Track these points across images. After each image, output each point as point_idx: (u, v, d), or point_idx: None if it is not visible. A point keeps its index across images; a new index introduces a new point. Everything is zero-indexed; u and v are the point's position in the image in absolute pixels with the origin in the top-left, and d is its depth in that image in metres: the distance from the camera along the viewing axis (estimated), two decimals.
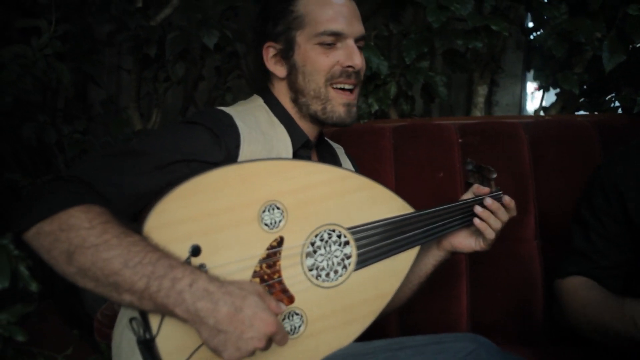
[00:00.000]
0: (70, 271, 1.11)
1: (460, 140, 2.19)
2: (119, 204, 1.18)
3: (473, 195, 1.54)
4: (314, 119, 1.49)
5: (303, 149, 1.49)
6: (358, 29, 1.48)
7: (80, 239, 1.09)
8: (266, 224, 1.26)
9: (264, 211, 1.26)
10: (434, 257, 1.59)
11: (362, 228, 1.37)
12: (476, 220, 1.50)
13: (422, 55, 2.31)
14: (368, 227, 1.38)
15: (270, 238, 1.26)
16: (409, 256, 1.44)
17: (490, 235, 1.50)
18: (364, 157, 2.13)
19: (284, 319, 1.26)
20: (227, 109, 1.41)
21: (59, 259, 1.10)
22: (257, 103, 1.51)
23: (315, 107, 1.47)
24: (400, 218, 1.42)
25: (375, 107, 2.33)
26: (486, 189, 1.54)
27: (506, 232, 1.56)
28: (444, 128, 2.23)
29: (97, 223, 1.11)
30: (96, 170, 1.21)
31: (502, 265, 2.03)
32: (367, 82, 2.33)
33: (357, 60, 1.46)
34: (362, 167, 2.13)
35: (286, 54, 1.46)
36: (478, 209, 1.49)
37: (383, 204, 1.41)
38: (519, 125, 2.21)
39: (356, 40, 1.48)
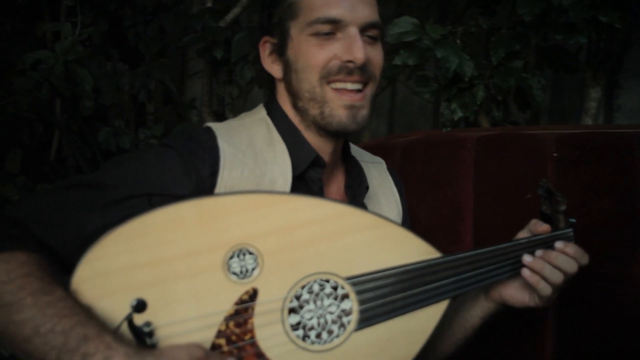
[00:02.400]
0: None
1: (555, 155, 1.83)
2: (61, 248, 1.03)
3: (529, 234, 1.23)
4: (319, 128, 1.23)
5: (314, 169, 1.23)
6: (364, 14, 1.18)
7: None
8: (235, 273, 1.03)
9: (231, 257, 1.03)
10: (482, 308, 1.30)
11: (365, 278, 1.10)
12: (525, 272, 1.19)
13: (514, 53, 1.96)
14: (374, 276, 1.10)
15: (239, 290, 1.03)
16: (433, 313, 1.15)
17: (546, 291, 1.18)
18: (437, 173, 1.86)
19: None
20: (216, 126, 1.20)
21: None
22: (258, 116, 1.27)
23: (313, 111, 1.20)
24: (419, 266, 1.14)
25: (459, 113, 2.02)
26: (546, 227, 1.22)
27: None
28: (538, 139, 1.87)
29: (16, 276, 0.95)
30: (38, 209, 1.07)
31: (602, 305, 1.64)
32: (449, 86, 2.03)
33: (359, 52, 1.16)
34: (434, 185, 1.87)
35: (281, 49, 1.22)
36: (527, 259, 1.19)
37: (396, 247, 1.13)
38: (634, 136, 1.80)
39: (364, 30, 1.19)
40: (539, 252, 1.19)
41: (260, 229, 1.05)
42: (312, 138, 1.24)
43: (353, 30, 1.18)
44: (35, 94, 1.64)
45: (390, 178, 1.44)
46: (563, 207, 1.25)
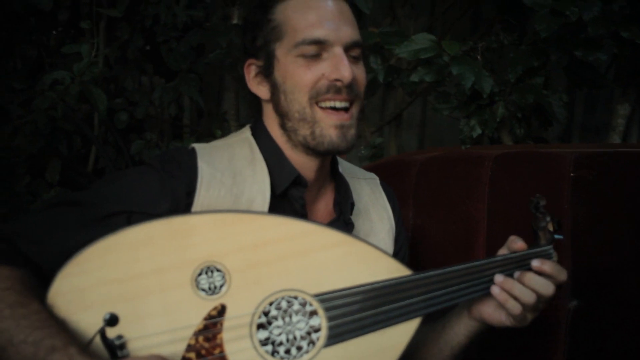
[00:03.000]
0: None
1: (572, 175, 1.79)
2: (44, 263, 1.09)
3: (507, 251, 1.23)
4: (307, 148, 1.25)
5: (296, 188, 1.26)
6: (348, 34, 1.22)
7: None
8: (203, 290, 1.07)
9: (200, 274, 1.07)
10: (466, 326, 1.29)
11: (333, 295, 1.11)
12: (494, 289, 1.18)
13: (534, 70, 1.94)
14: (342, 293, 1.12)
15: (208, 306, 1.07)
16: (405, 330, 1.15)
17: (515, 310, 1.17)
18: (453, 191, 1.85)
19: None
20: (200, 146, 1.25)
21: None
22: (242, 136, 1.31)
23: (304, 131, 1.23)
24: (388, 283, 1.14)
25: (478, 130, 2.01)
26: (521, 244, 1.21)
27: None
28: (556, 158, 1.84)
29: None
30: (25, 225, 1.13)
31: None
32: (469, 102, 2.02)
33: (346, 71, 1.19)
34: (449, 203, 1.85)
35: (267, 71, 1.25)
36: (498, 279, 1.18)
37: (364, 265, 1.14)
38: None
39: (348, 49, 1.22)
40: (516, 274, 1.18)
41: (228, 246, 1.08)
42: (298, 157, 1.27)
43: (338, 50, 1.20)
44: (52, 113, 1.73)
45: (383, 194, 1.45)
46: (543, 224, 1.23)
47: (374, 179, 1.47)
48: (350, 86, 1.21)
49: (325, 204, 1.35)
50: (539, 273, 1.19)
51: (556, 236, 1.25)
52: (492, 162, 1.86)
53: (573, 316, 1.65)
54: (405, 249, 1.48)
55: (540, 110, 2.04)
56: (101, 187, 1.20)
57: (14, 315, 1.00)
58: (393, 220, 1.43)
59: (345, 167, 1.42)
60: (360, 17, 2.07)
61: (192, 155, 1.22)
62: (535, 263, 1.18)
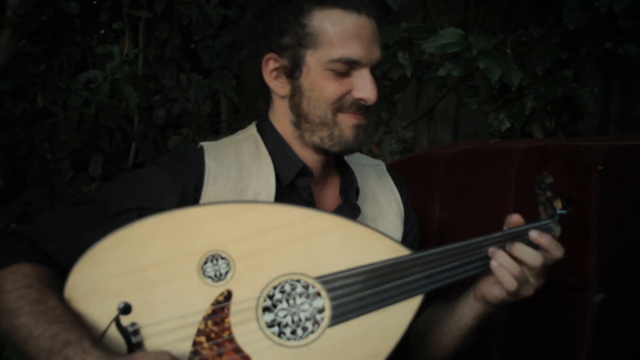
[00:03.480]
0: (2, 332, 1.11)
1: (600, 168, 1.77)
2: (62, 260, 1.16)
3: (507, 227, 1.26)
4: (317, 148, 1.31)
5: (302, 178, 1.31)
6: (376, 55, 1.28)
7: (2, 303, 1.09)
8: (210, 277, 1.13)
9: (205, 262, 1.13)
10: (471, 308, 1.31)
11: (335, 277, 1.15)
12: (492, 264, 1.21)
13: (563, 63, 1.91)
14: (343, 275, 1.16)
15: (215, 292, 1.12)
16: (407, 308, 1.19)
17: (510, 285, 1.19)
18: (480, 185, 1.85)
19: None
20: (208, 144, 1.31)
21: None
22: (248, 133, 1.37)
23: (321, 133, 1.28)
24: (387, 263, 1.18)
25: (507, 124, 2.00)
26: (515, 217, 1.25)
27: None
28: (584, 152, 1.82)
29: (19, 286, 1.09)
30: (46, 225, 1.21)
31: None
32: (497, 96, 2.01)
33: (372, 93, 1.25)
34: (476, 196, 1.85)
35: (291, 72, 1.28)
36: (490, 250, 1.21)
37: (363, 246, 1.18)
38: None
39: (371, 67, 1.28)
40: (507, 245, 1.20)
41: (230, 235, 1.14)
42: (305, 153, 1.33)
43: (366, 72, 1.26)
44: (84, 110, 1.81)
45: (389, 178, 1.49)
46: (543, 199, 1.25)
47: (380, 165, 1.52)
48: (369, 106, 1.29)
49: (332, 192, 1.40)
50: (536, 246, 1.21)
51: (559, 211, 1.27)
52: (519, 156, 1.85)
53: (599, 310, 1.63)
54: (415, 229, 1.51)
55: (570, 103, 2.02)
56: (114, 187, 1.27)
57: (33, 311, 1.06)
58: (401, 203, 1.47)
59: (353, 155, 1.46)
60: (388, 13, 2.09)
61: (200, 153, 1.28)
62: (534, 234, 1.21)
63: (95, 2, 2.69)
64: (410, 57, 2.06)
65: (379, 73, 2.18)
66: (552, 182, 1.28)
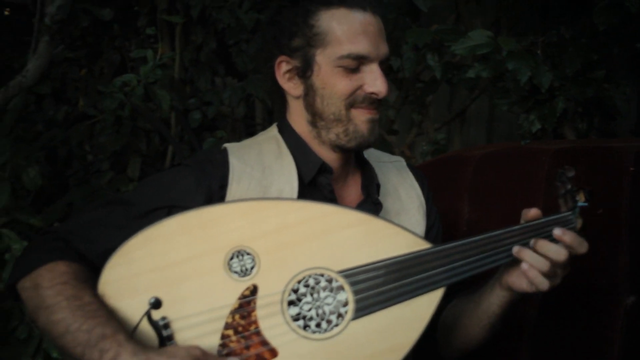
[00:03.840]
0: (39, 327, 1.16)
1: (631, 169, 1.76)
2: (95, 259, 1.20)
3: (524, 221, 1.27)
4: (334, 146, 1.35)
5: (323, 175, 1.35)
6: (383, 50, 1.31)
7: (40, 299, 1.14)
8: (236, 272, 1.16)
9: (231, 258, 1.16)
10: (498, 297, 1.32)
11: (357, 270, 1.18)
12: (523, 266, 1.22)
13: (594, 63, 1.91)
14: (365, 269, 1.18)
15: (241, 287, 1.16)
16: (429, 301, 1.21)
17: (542, 285, 1.21)
18: (509, 187, 1.85)
19: None
20: (231, 145, 1.36)
21: (32, 315, 1.16)
22: (270, 134, 1.41)
23: (337, 130, 1.32)
24: (408, 257, 1.20)
25: (537, 125, 2.00)
26: (534, 211, 1.25)
27: None
28: (614, 153, 1.81)
29: (56, 283, 1.14)
30: (78, 225, 1.27)
31: None
32: (528, 98, 2.01)
33: (382, 87, 1.29)
34: (505, 198, 1.86)
35: (303, 73, 1.32)
36: (516, 249, 1.22)
37: (384, 241, 1.21)
38: None
39: (380, 62, 1.31)
40: (531, 242, 1.22)
41: (255, 231, 1.17)
42: (324, 151, 1.36)
43: (375, 66, 1.30)
44: (119, 113, 1.87)
45: (410, 173, 1.51)
46: (563, 192, 1.26)
47: (400, 161, 1.55)
48: (381, 99, 1.32)
49: (354, 189, 1.43)
50: (559, 242, 1.22)
51: (580, 204, 1.27)
52: (549, 157, 1.85)
53: (630, 312, 1.62)
54: (438, 224, 1.53)
55: (602, 104, 2.01)
56: (143, 187, 1.33)
57: (69, 306, 1.11)
58: (422, 198, 1.49)
59: (370, 152, 1.49)
60: (418, 16, 2.11)
61: (224, 153, 1.32)
62: (557, 232, 1.21)
63: (135, 8, 2.77)
64: (440, 59, 2.08)
65: (410, 75, 2.20)
66: (573, 176, 1.29)
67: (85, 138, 2.83)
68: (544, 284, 1.21)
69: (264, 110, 2.93)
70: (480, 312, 1.34)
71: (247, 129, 2.92)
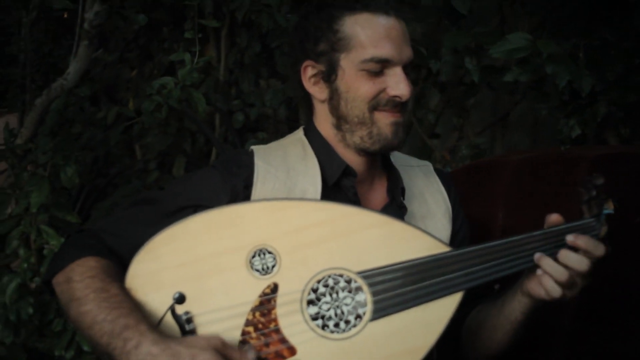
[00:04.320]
0: (71, 319, 1.22)
1: None
2: (125, 254, 1.25)
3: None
4: (358, 149, 1.37)
5: (347, 178, 1.37)
6: (407, 54, 1.33)
7: (71, 292, 1.19)
8: (257, 270, 1.19)
9: (253, 256, 1.19)
10: (519, 303, 1.32)
11: (376, 272, 1.20)
12: (537, 272, 1.23)
13: (635, 68, 1.87)
14: (384, 270, 1.20)
15: (262, 285, 1.19)
16: (448, 305, 1.22)
17: (554, 292, 1.21)
18: (546, 193, 1.84)
19: None
20: (257, 147, 1.40)
21: (64, 308, 1.22)
22: (296, 136, 1.46)
23: (361, 132, 1.35)
24: (427, 260, 1.22)
25: (577, 130, 1.97)
26: (555, 217, 1.25)
27: None
28: None
29: (85, 277, 1.19)
30: (110, 223, 1.33)
31: None
32: (569, 102, 1.98)
33: (405, 90, 1.31)
34: (541, 205, 1.84)
35: (328, 77, 1.35)
36: (536, 256, 1.22)
37: (403, 243, 1.22)
38: None
39: (404, 66, 1.33)
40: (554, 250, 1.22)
41: (276, 230, 1.20)
42: (349, 154, 1.39)
43: (399, 70, 1.32)
44: (157, 114, 1.93)
45: (437, 178, 1.52)
46: (586, 197, 1.25)
47: (427, 166, 1.56)
48: (405, 103, 1.34)
49: (379, 192, 1.46)
50: (575, 248, 1.22)
51: (606, 211, 1.27)
52: (588, 164, 1.82)
53: None
54: (465, 228, 1.54)
55: None
56: (173, 187, 1.38)
57: (96, 298, 1.15)
58: (449, 202, 1.50)
59: (397, 156, 1.52)
60: (458, 18, 2.11)
61: (250, 155, 1.37)
62: (569, 237, 1.21)
63: (183, 11, 2.84)
64: (479, 63, 2.06)
65: (447, 78, 2.19)
66: (602, 183, 1.28)
67: (134, 138, 2.94)
68: (555, 291, 1.21)
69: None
70: (502, 318, 1.34)
71: (290, 131, 2.95)
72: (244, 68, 2.76)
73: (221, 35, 2.80)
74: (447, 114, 2.64)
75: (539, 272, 1.22)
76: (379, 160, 1.46)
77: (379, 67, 1.31)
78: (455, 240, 1.48)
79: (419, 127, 2.64)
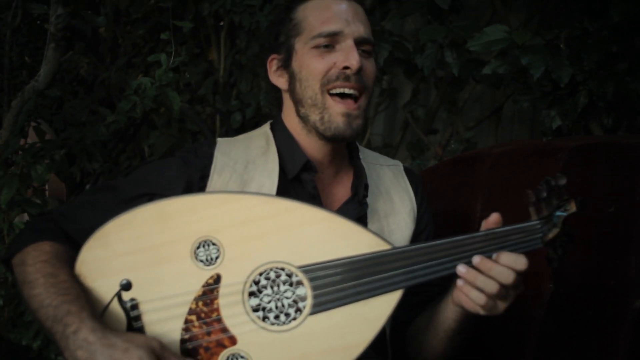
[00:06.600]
0: (24, 301, 1.26)
1: None
2: (80, 240, 1.28)
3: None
4: (318, 133, 1.40)
5: (307, 172, 1.41)
6: (358, 29, 1.37)
7: (24, 275, 1.24)
8: (201, 261, 1.23)
9: (198, 247, 1.23)
10: (451, 311, 1.30)
11: (317, 267, 1.22)
12: (459, 281, 1.21)
13: (613, 57, 1.85)
14: (324, 265, 1.22)
15: (206, 275, 1.23)
16: (387, 302, 1.23)
17: (479, 300, 1.19)
18: (522, 184, 1.83)
19: None
20: (221, 140, 1.45)
21: (19, 289, 1.27)
22: (261, 130, 1.49)
23: (314, 116, 1.38)
24: (368, 256, 1.23)
25: (558, 121, 1.96)
26: (494, 217, 1.23)
27: None
28: (631, 150, 1.76)
29: (38, 261, 1.25)
30: (69, 208, 1.38)
31: None
32: (549, 93, 1.97)
33: (354, 59, 1.34)
34: (517, 196, 1.84)
35: (286, 63, 1.41)
36: (460, 270, 1.19)
37: (345, 239, 1.24)
38: None
39: (358, 44, 1.37)
40: (475, 260, 1.19)
41: (222, 223, 1.23)
42: (312, 142, 1.43)
43: (349, 42, 1.36)
44: (132, 114, 1.99)
45: (405, 178, 1.55)
46: (533, 199, 1.23)
47: (397, 166, 1.58)
48: (359, 75, 1.36)
49: (342, 186, 1.49)
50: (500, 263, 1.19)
51: (558, 213, 1.23)
52: (566, 155, 1.81)
53: (638, 315, 1.58)
54: (429, 229, 1.55)
55: (623, 98, 1.93)
56: (134, 174, 1.42)
57: (45, 283, 1.20)
58: (415, 202, 1.53)
59: (367, 154, 1.55)
60: (441, 13, 2.11)
61: (212, 146, 1.42)
62: (475, 260, 1.18)
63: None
64: (459, 56, 2.07)
65: (428, 72, 2.20)
66: (564, 184, 1.25)
67: (142, 138, 3.03)
68: (494, 307, 1.20)
69: None
70: (437, 325, 1.35)
71: None
72: (243, 69, 2.81)
73: (220, 37, 2.86)
74: (443, 110, 2.65)
75: (459, 282, 1.20)
76: (346, 154, 1.49)
77: (327, 41, 1.35)
78: (418, 240, 1.49)
79: (413, 123, 2.66)
